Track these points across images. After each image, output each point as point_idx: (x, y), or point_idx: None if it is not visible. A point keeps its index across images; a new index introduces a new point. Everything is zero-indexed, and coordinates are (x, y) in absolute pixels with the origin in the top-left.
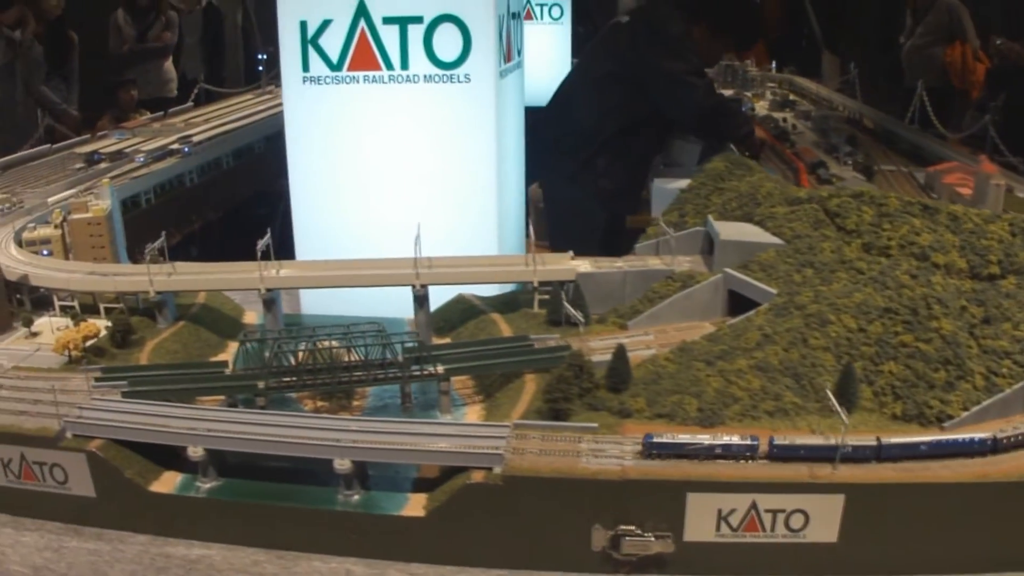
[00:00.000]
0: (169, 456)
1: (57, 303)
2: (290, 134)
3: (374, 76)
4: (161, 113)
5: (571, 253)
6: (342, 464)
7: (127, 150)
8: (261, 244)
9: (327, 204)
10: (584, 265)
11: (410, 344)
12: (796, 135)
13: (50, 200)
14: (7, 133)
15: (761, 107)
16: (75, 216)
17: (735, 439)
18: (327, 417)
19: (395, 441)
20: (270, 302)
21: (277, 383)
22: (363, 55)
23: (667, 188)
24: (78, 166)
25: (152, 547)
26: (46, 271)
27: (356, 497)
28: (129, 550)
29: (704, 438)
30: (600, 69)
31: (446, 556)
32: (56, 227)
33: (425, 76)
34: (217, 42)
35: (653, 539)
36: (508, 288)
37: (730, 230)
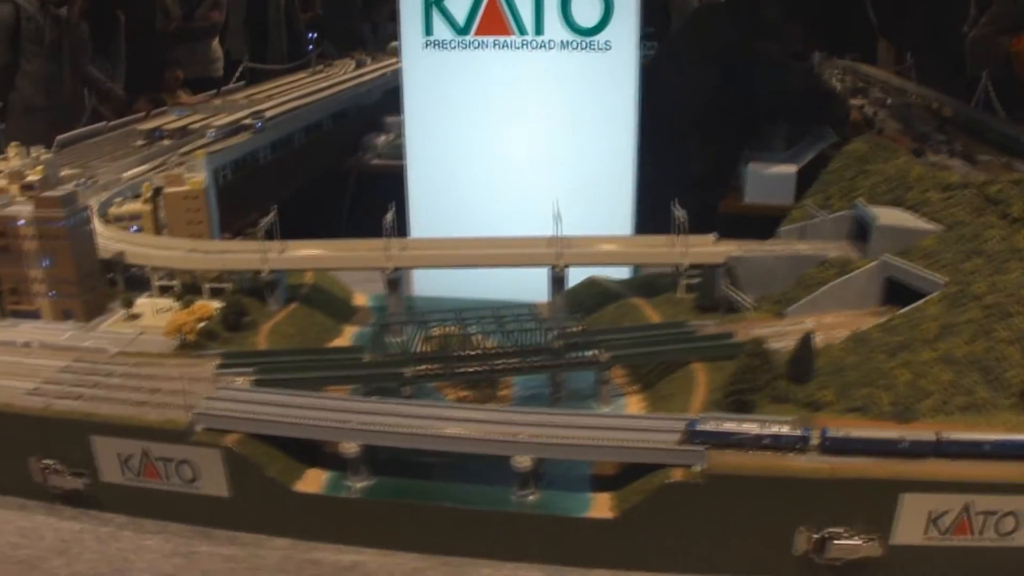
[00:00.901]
0: (303, 451)
1: (155, 283)
2: (408, 103)
3: (504, 42)
4: (214, 91)
5: (715, 235)
6: (522, 462)
7: (194, 126)
8: (388, 219)
9: (446, 178)
10: (735, 248)
11: (569, 329)
12: (879, 122)
13: (124, 175)
14: (55, 111)
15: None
16: (170, 190)
17: (784, 429)
18: (504, 410)
19: (584, 436)
20: (395, 282)
21: (426, 371)
22: (493, 19)
23: (763, 173)
24: (140, 142)
25: (296, 552)
26: (145, 248)
27: (532, 497)
28: (270, 556)
29: (752, 427)
30: (692, 52)
31: (633, 561)
32: (145, 202)
33: (561, 43)
34: (261, 21)
35: (861, 542)
36: (625, 270)
37: (886, 215)
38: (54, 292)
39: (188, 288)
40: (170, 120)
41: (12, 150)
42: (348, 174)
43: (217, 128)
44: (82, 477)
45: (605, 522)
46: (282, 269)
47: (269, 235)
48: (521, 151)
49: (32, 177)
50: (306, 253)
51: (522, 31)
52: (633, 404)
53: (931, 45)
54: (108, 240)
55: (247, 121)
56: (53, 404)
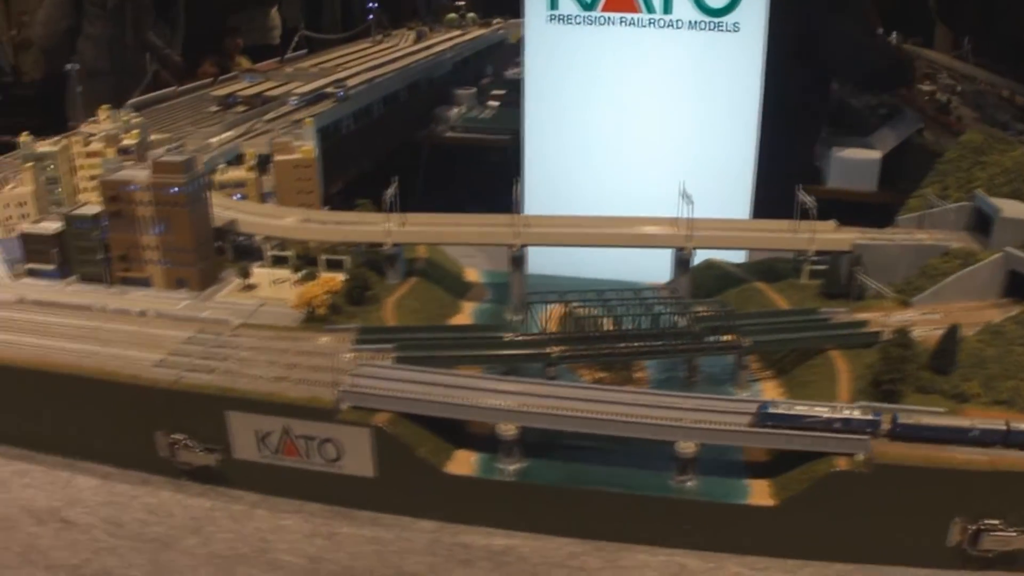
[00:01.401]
0: (446, 431)
1: (268, 253)
2: (529, 77)
3: (632, 19)
4: (278, 59)
5: (835, 222)
6: (686, 447)
7: (270, 93)
8: (518, 192)
9: (564, 155)
10: (858, 235)
11: (708, 312)
12: (953, 110)
13: (213, 141)
14: (117, 75)
15: None
16: (280, 157)
17: (856, 414)
18: (665, 394)
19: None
20: (520, 260)
21: (572, 352)
22: None
23: (848, 158)
24: (214, 108)
25: (444, 535)
26: (258, 217)
27: (691, 483)
28: (418, 539)
29: (823, 411)
30: (775, 33)
31: (791, 548)
32: (250, 169)
33: (690, 22)
34: None
35: (1015, 534)
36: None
37: (1010, 207)
38: (166, 260)
39: (303, 259)
40: (242, 87)
41: (103, 113)
42: (421, 146)
43: (299, 96)
44: (214, 453)
45: (766, 509)
46: (404, 242)
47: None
48: (642, 130)
49: (128, 141)
50: (428, 228)
51: (650, 9)
52: (769, 390)
53: (989, 30)
54: (219, 208)
55: (329, 90)
56: (184, 377)
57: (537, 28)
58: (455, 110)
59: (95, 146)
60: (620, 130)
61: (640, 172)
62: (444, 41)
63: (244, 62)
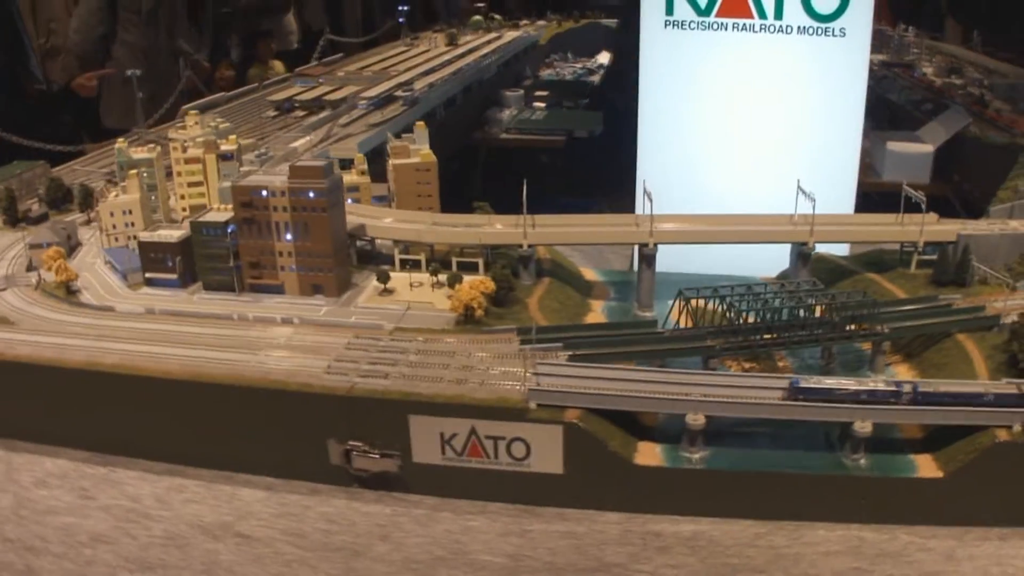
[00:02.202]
0: (626, 424)
1: (398, 257)
2: (645, 80)
3: (744, 24)
4: (315, 62)
5: (935, 215)
6: (863, 426)
7: (330, 97)
8: (646, 190)
9: (678, 155)
10: (961, 226)
11: (853, 302)
12: (990, 103)
13: (297, 146)
14: (152, 80)
15: (931, 73)
16: (399, 161)
17: (880, 385)
18: (845, 378)
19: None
20: (651, 258)
21: (730, 343)
22: (736, 1)
23: (902, 151)
24: (271, 113)
25: (632, 525)
26: (389, 222)
27: (863, 461)
28: (609, 530)
29: (850, 383)
30: None
31: (955, 516)
32: (362, 173)
33: (799, 28)
34: None
35: None
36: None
37: None
38: (302, 266)
39: (435, 262)
40: (298, 91)
41: (191, 119)
42: (478, 148)
43: (368, 100)
44: (393, 458)
45: (935, 481)
46: (541, 243)
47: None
48: (753, 132)
49: (226, 147)
50: (561, 229)
51: (763, 15)
52: (904, 373)
53: (1000, 24)
54: (348, 213)
55: (398, 93)
56: (359, 383)
57: (653, 33)
58: (507, 112)
59: (193, 152)
60: (731, 132)
61: (750, 172)
62: (483, 44)
63: (278, 66)
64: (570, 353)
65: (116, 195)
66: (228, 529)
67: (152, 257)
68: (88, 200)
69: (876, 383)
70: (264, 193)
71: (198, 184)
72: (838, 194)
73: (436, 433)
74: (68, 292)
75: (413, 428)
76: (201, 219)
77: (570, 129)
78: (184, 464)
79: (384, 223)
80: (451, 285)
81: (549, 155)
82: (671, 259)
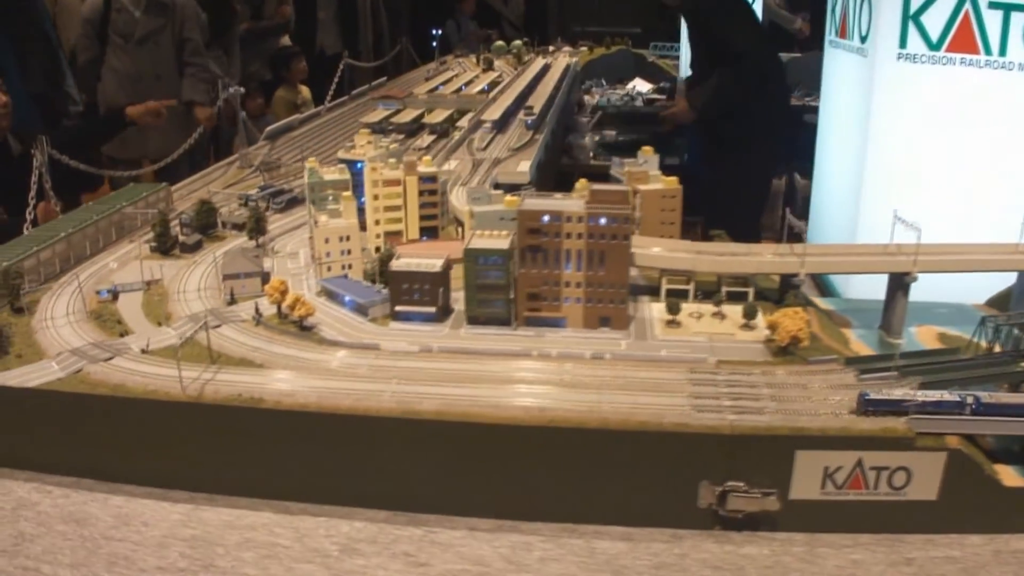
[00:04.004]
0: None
1: (665, 287)
2: (876, 111)
3: (970, 60)
4: (367, 86)
5: None
6: None
7: (432, 120)
8: (900, 219)
9: (907, 185)
10: None
11: None
12: None
13: (447, 169)
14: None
15: None
16: (648, 188)
17: (945, 396)
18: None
19: None
20: (907, 287)
21: None
22: (964, 37)
23: None
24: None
25: (997, 545)
26: (663, 252)
27: None
28: (982, 552)
29: (917, 395)
30: None
31: None
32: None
33: (1020, 65)
34: (352, 16)
35: None
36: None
37: None
38: (590, 297)
39: (706, 292)
40: (387, 114)
41: (363, 138)
42: (570, 173)
43: (491, 122)
44: (771, 496)
45: None
46: (816, 272)
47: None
48: (980, 164)
49: (424, 168)
50: (826, 256)
51: (988, 51)
52: None
53: None
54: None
55: (520, 116)
56: (736, 421)
57: (886, 66)
58: (586, 138)
59: (391, 173)
60: (957, 163)
61: (971, 201)
62: (534, 71)
63: (305, 91)
64: (921, 380)
65: (326, 220)
66: None
67: (405, 288)
68: (260, 225)
69: (942, 394)
70: (555, 219)
71: (396, 208)
72: None
73: (820, 467)
74: (301, 328)
75: (797, 463)
76: (476, 246)
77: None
78: (515, 519)
79: (653, 252)
80: (749, 316)
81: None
82: (866, 287)
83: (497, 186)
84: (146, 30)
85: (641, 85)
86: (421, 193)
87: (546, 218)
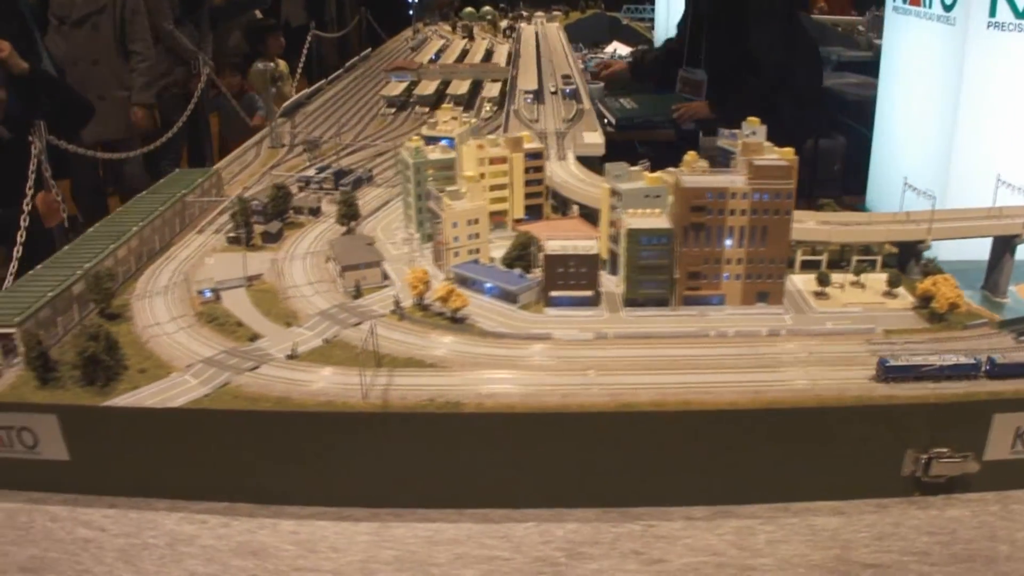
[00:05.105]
0: None
1: (799, 258)
2: (967, 82)
3: None
4: (359, 57)
5: None
6: None
7: (456, 92)
8: (1004, 181)
9: (992, 153)
10: None
11: None
12: None
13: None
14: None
15: None
16: (761, 162)
17: (961, 359)
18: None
19: None
20: (1015, 248)
21: None
22: None
23: None
24: (391, 110)
25: None
26: (807, 225)
27: None
28: None
29: (935, 359)
30: None
31: None
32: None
33: None
34: None
35: None
36: None
37: None
38: (750, 273)
39: (830, 263)
40: (406, 85)
41: (445, 113)
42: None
43: (526, 92)
44: (970, 460)
45: None
46: (941, 238)
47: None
48: None
49: (529, 144)
50: (949, 223)
51: None
52: None
53: None
54: None
55: (559, 86)
56: (939, 390)
57: (977, 35)
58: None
59: (495, 151)
60: None
61: None
62: (525, 36)
63: (283, 64)
64: None
65: (449, 203)
66: (848, 562)
67: (560, 272)
68: (352, 210)
69: (958, 357)
70: (719, 196)
71: (502, 187)
72: None
73: (1012, 428)
74: (453, 320)
75: (994, 426)
76: (637, 226)
77: (669, 118)
78: (728, 503)
79: (808, 225)
80: (894, 284)
81: (652, 148)
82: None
83: (577, 159)
84: (83, 12)
85: (621, 48)
86: (527, 170)
87: (709, 195)
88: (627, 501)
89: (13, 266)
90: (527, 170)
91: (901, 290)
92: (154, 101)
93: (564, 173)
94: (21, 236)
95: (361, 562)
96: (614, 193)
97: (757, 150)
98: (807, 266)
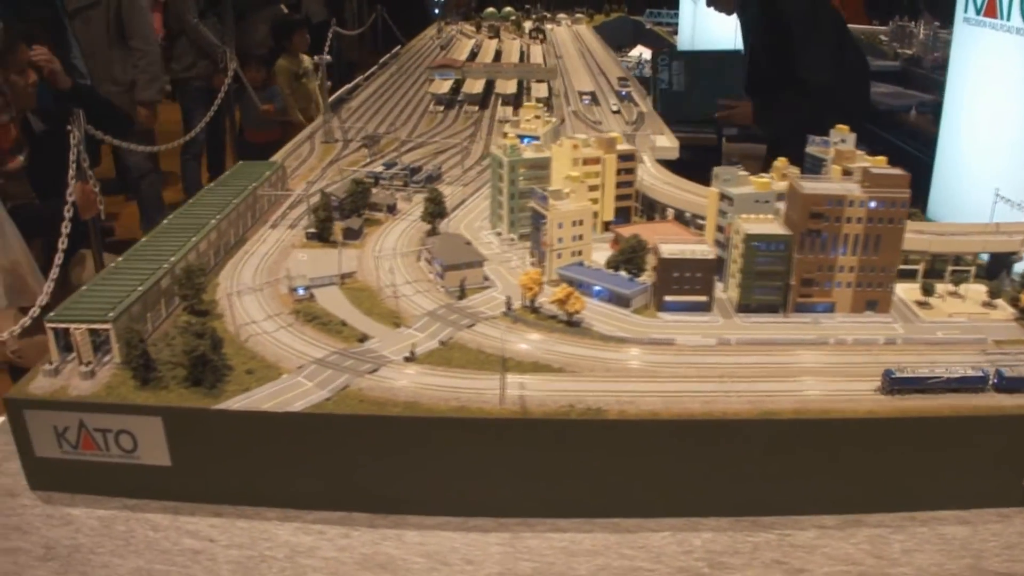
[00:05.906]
0: None
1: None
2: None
3: None
4: (392, 52)
5: None
6: None
7: (499, 92)
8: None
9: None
10: None
11: None
12: None
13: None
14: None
15: None
16: (856, 168)
17: (969, 371)
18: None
19: None
20: None
21: None
22: None
23: None
24: (440, 107)
25: None
26: (920, 236)
27: None
28: None
29: (941, 371)
30: None
31: None
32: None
33: None
34: None
35: None
36: None
37: None
38: (862, 281)
39: (931, 272)
40: (452, 83)
41: (529, 111)
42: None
43: (583, 93)
44: None
45: None
46: None
47: None
48: None
49: (622, 146)
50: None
51: None
52: None
53: None
54: None
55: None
56: None
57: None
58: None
59: (587, 151)
60: None
61: None
62: (560, 37)
63: (307, 60)
64: None
65: (554, 205)
66: (983, 571)
67: (676, 277)
68: (440, 209)
69: (966, 370)
70: (837, 204)
71: (594, 189)
72: None
73: None
74: (569, 324)
75: None
76: (755, 231)
77: (718, 128)
78: (858, 512)
79: (921, 236)
80: (994, 295)
81: (696, 153)
82: None
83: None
84: (76, 4)
85: (646, 53)
86: (619, 172)
87: (828, 203)
88: (759, 510)
89: (59, 258)
90: (619, 171)
91: (999, 301)
92: (158, 98)
93: (648, 176)
94: (66, 227)
95: (499, 575)
96: (724, 198)
97: (849, 158)
98: (901, 275)
